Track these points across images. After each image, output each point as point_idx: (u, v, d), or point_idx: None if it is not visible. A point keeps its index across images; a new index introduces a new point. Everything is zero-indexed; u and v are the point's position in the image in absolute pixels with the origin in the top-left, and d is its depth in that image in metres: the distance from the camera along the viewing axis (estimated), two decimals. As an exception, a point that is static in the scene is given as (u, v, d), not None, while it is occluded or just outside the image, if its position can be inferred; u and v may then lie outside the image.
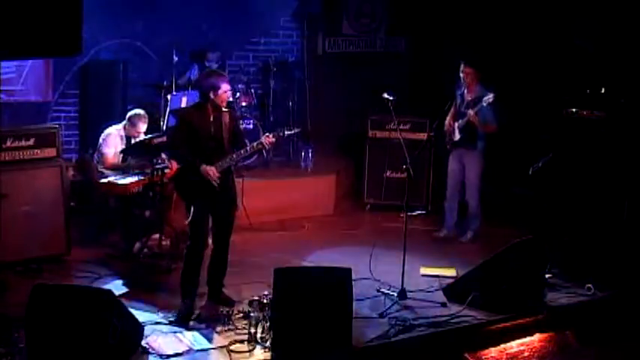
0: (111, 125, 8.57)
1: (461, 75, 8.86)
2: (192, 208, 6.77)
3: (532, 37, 10.64)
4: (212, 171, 6.69)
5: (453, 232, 9.21)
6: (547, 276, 7.63)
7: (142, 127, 8.44)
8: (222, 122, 6.85)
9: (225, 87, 6.77)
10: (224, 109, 6.92)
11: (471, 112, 8.65)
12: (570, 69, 10.23)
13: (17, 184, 7.54)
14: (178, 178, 6.98)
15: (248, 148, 6.87)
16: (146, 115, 8.50)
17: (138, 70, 10.14)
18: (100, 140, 8.51)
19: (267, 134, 6.99)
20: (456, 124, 8.88)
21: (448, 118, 8.97)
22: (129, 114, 8.51)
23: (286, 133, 7.12)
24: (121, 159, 8.46)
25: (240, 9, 10.83)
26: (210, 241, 7.10)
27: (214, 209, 6.88)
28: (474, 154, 8.92)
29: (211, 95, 6.76)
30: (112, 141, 8.44)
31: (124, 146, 8.45)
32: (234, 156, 6.84)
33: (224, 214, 6.99)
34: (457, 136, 8.91)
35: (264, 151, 7.28)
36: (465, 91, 8.90)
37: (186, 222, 6.87)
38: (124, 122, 8.52)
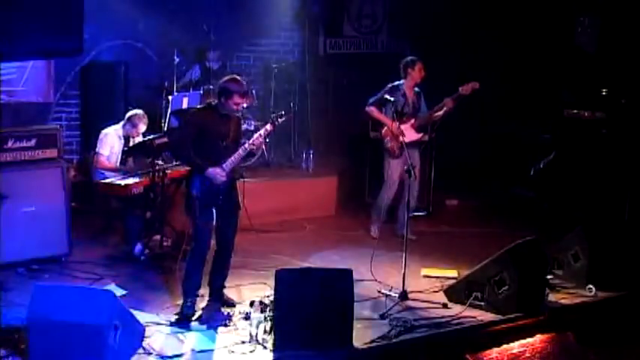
0: (110, 126, 8.56)
1: (413, 73, 8.76)
2: (208, 213, 6.74)
3: (533, 37, 10.65)
4: (219, 172, 6.69)
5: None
6: (548, 277, 7.62)
7: (142, 127, 8.44)
8: (230, 124, 6.86)
9: (237, 99, 6.70)
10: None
11: (448, 101, 8.59)
12: (571, 70, 10.23)
13: (18, 184, 7.52)
14: (193, 182, 6.91)
15: (240, 150, 6.80)
16: (146, 116, 8.49)
17: (139, 71, 10.14)
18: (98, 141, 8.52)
19: (259, 133, 6.93)
20: (408, 125, 8.79)
21: (390, 122, 8.72)
22: (129, 114, 8.50)
23: (280, 120, 7.08)
24: (120, 160, 8.46)
25: (241, 10, 10.83)
26: (212, 242, 7.09)
27: (223, 212, 6.87)
28: (419, 150, 8.88)
29: (222, 99, 6.77)
30: (109, 142, 8.43)
31: (121, 147, 8.45)
32: (235, 157, 6.81)
33: (229, 217, 6.98)
34: (415, 136, 8.82)
35: (265, 152, 7.26)
36: (406, 90, 8.82)
37: (192, 225, 6.86)
38: (122, 122, 8.51)
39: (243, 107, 7.06)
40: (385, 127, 8.82)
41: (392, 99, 8.45)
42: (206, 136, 6.75)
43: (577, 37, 10.38)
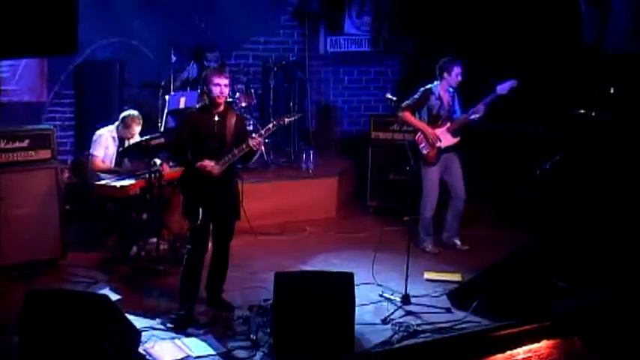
0: (104, 126, 8.57)
1: (448, 77, 8.56)
2: (200, 213, 6.75)
3: (540, 35, 10.63)
4: (209, 164, 6.70)
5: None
6: (554, 281, 7.62)
7: (136, 129, 8.44)
8: (227, 124, 6.86)
9: (214, 79, 6.73)
10: (232, 112, 6.98)
11: (482, 104, 8.47)
12: (578, 68, 10.20)
13: (11, 186, 7.53)
14: (183, 182, 6.96)
15: (236, 151, 6.79)
16: (140, 117, 8.48)
17: (135, 70, 10.14)
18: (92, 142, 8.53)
19: (253, 135, 6.91)
20: (444, 129, 8.62)
21: (427, 127, 8.60)
22: (122, 115, 8.50)
23: (286, 120, 7.06)
24: (114, 161, 8.47)
25: (240, 7, 10.84)
26: (209, 245, 7.10)
27: (216, 214, 6.88)
28: (458, 152, 8.77)
29: (205, 89, 6.82)
30: (103, 143, 8.43)
31: (116, 148, 8.46)
32: (229, 156, 6.81)
33: (225, 219, 6.99)
34: (452, 141, 8.65)
35: (264, 153, 7.25)
36: (442, 93, 8.64)
37: (189, 227, 6.88)
38: (116, 123, 8.52)
39: (234, 97, 7.02)
40: (419, 133, 8.63)
41: (394, 98, 8.44)
42: (200, 137, 6.77)
43: (584, 32, 10.35)
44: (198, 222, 6.74)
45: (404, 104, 8.65)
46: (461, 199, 8.79)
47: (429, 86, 8.67)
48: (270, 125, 6.94)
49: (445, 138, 8.65)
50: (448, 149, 8.69)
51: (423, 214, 8.85)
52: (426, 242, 8.87)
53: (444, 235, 8.99)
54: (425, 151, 8.64)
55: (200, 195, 6.75)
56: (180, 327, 6.61)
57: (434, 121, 8.65)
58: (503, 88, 8.44)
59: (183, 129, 6.94)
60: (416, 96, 8.66)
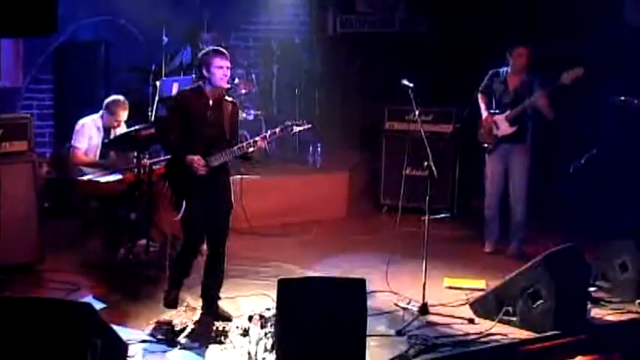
0: (88, 115, 8.55)
1: (511, 59, 8.67)
2: (183, 205, 6.76)
3: (574, 14, 10.59)
4: (197, 161, 6.68)
5: (499, 246, 9.08)
6: (590, 289, 7.59)
7: (122, 115, 8.45)
8: (223, 110, 6.86)
9: (218, 61, 6.74)
10: (227, 99, 6.97)
11: (540, 92, 8.46)
12: (618, 50, 10.16)
13: (-18, 182, 7.54)
14: (170, 170, 6.95)
15: (235, 149, 6.80)
16: (126, 102, 8.50)
17: (122, 53, 10.16)
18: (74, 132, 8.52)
19: (263, 134, 6.95)
20: (503, 116, 8.66)
21: (483, 113, 8.81)
22: (106, 101, 8.53)
23: (295, 129, 7.07)
24: (99, 154, 8.46)
25: (239, -17, 10.86)
26: (204, 246, 7.08)
27: (208, 210, 6.86)
28: (523, 148, 8.76)
29: (205, 73, 6.79)
30: (86, 133, 8.45)
31: (101, 139, 8.44)
32: (226, 153, 6.79)
33: (219, 217, 6.97)
34: (508, 130, 8.67)
35: (265, 145, 7.26)
36: (508, 77, 8.75)
37: (177, 218, 6.88)
38: (101, 111, 8.51)
39: (233, 83, 7.01)
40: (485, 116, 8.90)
41: (410, 85, 8.39)
42: (192, 123, 6.76)
43: (625, 12, 10.32)
44: (180, 214, 6.75)
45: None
46: (517, 202, 8.85)
47: (496, 69, 8.87)
48: (277, 130, 6.99)
49: (502, 126, 8.73)
50: (508, 140, 8.75)
51: (483, 209, 9.07)
52: (485, 241, 9.05)
53: (508, 249, 9.01)
54: (481, 138, 8.89)
55: (187, 185, 6.74)
56: (171, 338, 6.58)
57: (497, 106, 8.83)
58: (567, 78, 8.37)
59: (174, 112, 6.93)
60: (485, 78, 8.93)
